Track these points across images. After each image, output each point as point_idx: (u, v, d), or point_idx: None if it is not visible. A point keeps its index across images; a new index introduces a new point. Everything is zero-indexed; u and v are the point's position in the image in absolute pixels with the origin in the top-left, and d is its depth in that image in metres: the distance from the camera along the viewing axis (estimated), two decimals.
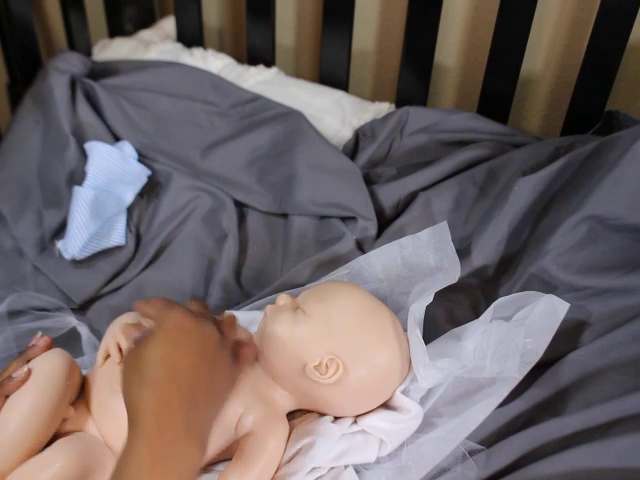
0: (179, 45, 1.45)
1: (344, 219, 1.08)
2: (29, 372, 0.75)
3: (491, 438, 0.80)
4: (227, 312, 0.94)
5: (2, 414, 0.74)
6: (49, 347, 0.79)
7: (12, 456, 0.72)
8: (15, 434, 0.73)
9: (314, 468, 0.77)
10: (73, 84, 1.23)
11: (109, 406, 0.76)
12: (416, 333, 0.79)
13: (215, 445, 0.77)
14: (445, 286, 0.84)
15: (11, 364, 0.77)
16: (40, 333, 0.80)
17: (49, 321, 0.93)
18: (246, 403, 0.77)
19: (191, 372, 0.63)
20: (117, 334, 0.79)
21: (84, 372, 0.82)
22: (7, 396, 0.75)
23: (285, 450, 0.78)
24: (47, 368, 0.76)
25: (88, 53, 1.46)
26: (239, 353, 0.71)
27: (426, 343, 0.80)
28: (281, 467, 0.77)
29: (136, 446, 0.60)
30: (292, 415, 0.83)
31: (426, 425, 0.79)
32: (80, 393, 0.80)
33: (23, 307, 0.95)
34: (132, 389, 0.63)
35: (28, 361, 0.77)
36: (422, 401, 0.81)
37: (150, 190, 1.17)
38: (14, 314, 0.93)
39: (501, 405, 0.79)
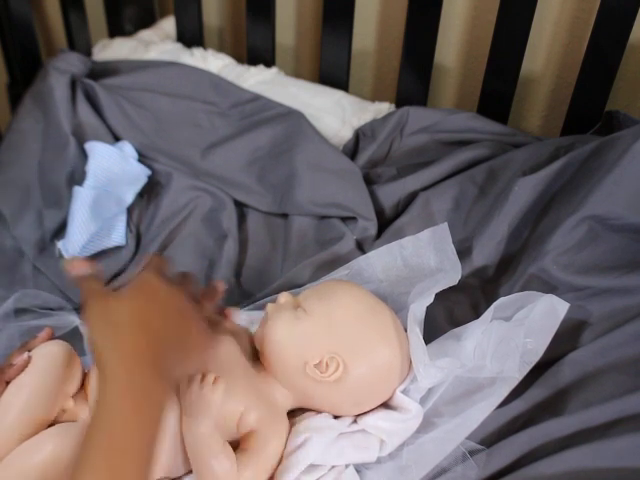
0: (179, 45, 1.45)
1: (344, 219, 1.08)
2: (29, 359, 0.76)
3: (491, 438, 0.80)
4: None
5: (2, 400, 0.74)
6: (50, 338, 0.80)
7: (10, 441, 0.72)
8: (15, 420, 0.73)
9: (315, 466, 0.77)
10: (73, 84, 1.23)
11: None
12: (416, 332, 0.79)
13: None
14: (446, 287, 0.84)
15: (13, 354, 0.78)
16: (47, 329, 0.80)
17: (52, 319, 0.93)
18: (247, 402, 0.77)
19: (158, 320, 0.67)
20: None
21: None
22: (7, 382, 0.75)
23: (285, 447, 0.78)
24: (47, 355, 0.77)
25: (88, 53, 1.46)
26: (217, 322, 0.74)
27: (426, 343, 0.80)
28: (281, 462, 0.78)
29: (107, 392, 0.62)
30: (292, 414, 0.83)
31: (426, 425, 0.79)
32: (80, 389, 0.80)
33: (27, 305, 0.95)
34: (103, 334, 0.65)
35: (29, 350, 0.78)
36: (422, 401, 0.81)
37: (150, 190, 1.17)
38: (18, 312, 0.94)
39: (501, 405, 0.79)
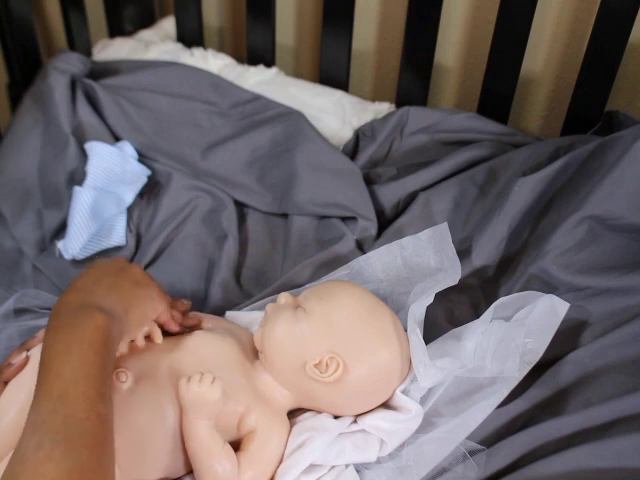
0: (179, 45, 1.45)
1: (344, 219, 1.08)
2: (27, 358, 0.76)
3: (491, 438, 0.80)
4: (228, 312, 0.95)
5: (2, 400, 0.74)
6: None
7: (10, 441, 0.72)
8: (14, 419, 0.73)
9: (315, 466, 0.77)
10: (73, 84, 1.23)
11: None
12: (416, 333, 0.79)
13: None
14: (445, 287, 0.84)
15: (12, 354, 0.78)
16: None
17: None
18: (246, 402, 0.77)
19: (91, 280, 0.75)
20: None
21: None
22: (6, 382, 0.76)
23: (286, 447, 0.78)
24: None
25: (88, 53, 1.46)
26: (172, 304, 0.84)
27: (426, 343, 0.80)
28: (281, 462, 0.78)
29: (48, 330, 0.68)
30: (292, 414, 0.83)
31: (426, 425, 0.79)
32: None
33: (27, 305, 0.95)
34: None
35: (28, 350, 0.78)
36: (422, 401, 0.81)
37: (150, 190, 1.17)
38: (18, 312, 0.94)
39: (501, 405, 0.79)
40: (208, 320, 0.89)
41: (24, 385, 0.74)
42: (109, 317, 0.69)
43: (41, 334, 0.80)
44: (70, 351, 0.64)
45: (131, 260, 1.09)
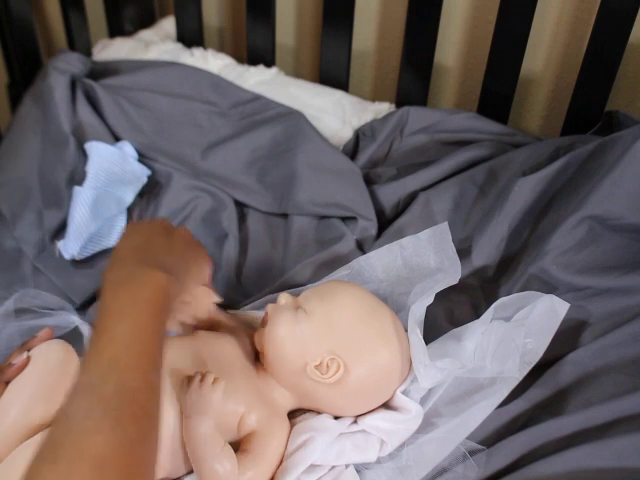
0: (179, 45, 1.45)
1: (344, 219, 1.08)
2: (28, 358, 0.76)
3: (491, 438, 0.80)
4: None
5: (3, 400, 0.74)
6: (49, 338, 0.80)
7: (11, 442, 0.72)
8: (15, 420, 0.73)
9: (315, 466, 0.77)
10: (73, 84, 1.23)
11: None
12: (416, 333, 0.79)
13: None
14: (446, 287, 0.84)
15: (13, 354, 0.78)
16: (46, 329, 0.81)
17: (52, 319, 0.93)
18: (247, 403, 0.77)
19: (144, 239, 0.72)
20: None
21: None
22: (7, 382, 0.75)
23: (286, 447, 0.78)
24: (46, 354, 0.77)
25: (88, 53, 1.46)
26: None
27: (426, 343, 0.80)
28: (282, 462, 0.78)
29: (103, 292, 0.65)
30: (292, 414, 0.83)
31: (426, 425, 0.79)
32: None
33: (27, 305, 0.95)
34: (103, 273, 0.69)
35: (29, 350, 0.78)
36: (422, 401, 0.81)
37: (150, 190, 1.17)
38: (18, 312, 0.94)
39: (501, 405, 0.79)
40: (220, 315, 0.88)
41: (25, 385, 0.74)
42: (169, 277, 0.67)
43: (42, 334, 0.80)
44: (126, 311, 0.62)
45: None
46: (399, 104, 1.28)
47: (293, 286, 0.97)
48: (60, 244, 1.10)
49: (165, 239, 0.74)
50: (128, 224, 0.80)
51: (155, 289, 0.65)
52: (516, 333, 0.80)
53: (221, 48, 1.52)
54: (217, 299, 0.82)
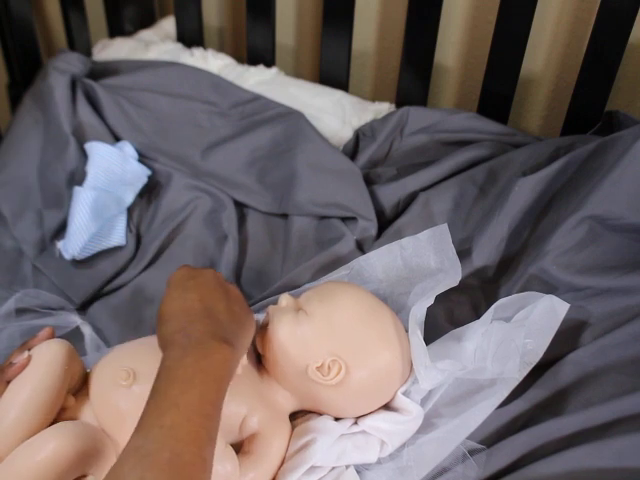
0: (179, 45, 1.45)
1: (344, 219, 1.08)
2: (29, 358, 0.76)
3: (491, 438, 0.80)
4: None
5: (3, 399, 0.74)
6: (50, 337, 0.80)
7: (12, 441, 0.72)
8: (17, 418, 0.73)
9: (316, 467, 0.77)
10: (73, 84, 1.23)
11: (110, 399, 0.76)
12: (417, 334, 0.79)
13: None
14: (446, 289, 0.84)
15: (13, 353, 0.78)
16: (47, 328, 0.81)
17: (53, 319, 0.93)
18: (248, 404, 0.77)
19: (204, 299, 0.71)
20: None
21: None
22: (8, 382, 0.75)
23: (287, 449, 0.78)
24: (47, 353, 0.77)
25: (88, 53, 1.46)
26: None
27: (426, 343, 0.80)
28: (283, 464, 0.78)
29: (169, 351, 0.65)
30: (293, 416, 0.83)
31: (427, 425, 0.80)
32: (82, 387, 0.80)
33: (28, 305, 0.95)
34: (161, 333, 0.69)
35: (29, 349, 0.78)
36: (423, 402, 0.81)
37: (150, 190, 1.17)
38: (19, 312, 0.94)
39: (501, 405, 0.79)
40: None
41: (26, 384, 0.74)
42: (234, 350, 0.67)
43: (43, 333, 0.80)
44: (193, 383, 0.62)
45: (131, 260, 1.10)
46: (399, 104, 1.28)
47: (294, 287, 0.97)
48: (60, 244, 1.10)
49: (225, 303, 0.73)
50: (182, 268, 0.76)
51: (222, 363, 0.65)
52: (516, 333, 0.80)
53: (221, 48, 1.52)
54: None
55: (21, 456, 0.71)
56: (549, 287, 0.92)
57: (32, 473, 0.70)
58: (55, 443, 0.71)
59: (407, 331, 0.81)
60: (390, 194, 1.10)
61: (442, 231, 0.88)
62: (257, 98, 1.26)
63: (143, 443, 0.58)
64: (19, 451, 0.72)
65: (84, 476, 0.74)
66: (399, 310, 0.89)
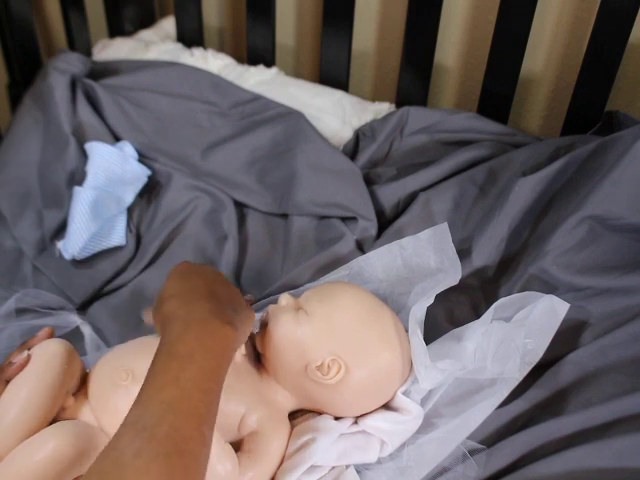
0: (179, 45, 1.45)
1: (344, 219, 1.08)
2: (29, 357, 0.76)
3: (491, 438, 0.80)
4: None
5: (3, 399, 0.74)
6: (50, 336, 0.80)
7: (11, 440, 0.72)
8: (16, 418, 0.73)
9: (316, 467, 0.77)
10: (73, 84, 1.23)
11: (109, 399, 0.76)
12: (417, 334, 0.79)
13: None
14: (446, 288, 0.84)
15: (13, 353, 0.78)
16: (46, 328, 0.81)
17: (53, 319, 0.93)
18: (248, 403, 0.77)
19: (204, 285, 0.71)
20: None
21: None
22: (8, 381, 0.75)
23: (287, 448, 0.78)
24: (46, 353, 0.77)
25: (88, 53, 1.46)
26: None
27: (426, 343, 0.80)
28: (282, 463, 0.78)
29: (170, 327, 0.64)
30: (293, 415, 0.83)
31: (427, 425, 0.79)
32: (81, 387, 0.80)
33: (28, 305, 0.95)
34: (160, 313, 0.68)
35: (29, 349, 0.78)
36: (423, 402, 0.81)
37: (150, 190, 1.17)
38: (19, 312, 0.94)
39: (501, 405, 0.79)
40: None
41: (26, 384, 0.74)
42: (236, 332, 0.67)
43: (42, 333, 0.80)
44: (193, 358, 0.61)
45: (131, 260, 1.10)
46: (399, 104, 1.28)
47: (294, 287, 0.97)
48: (60, 244, 1.10)
49: (225, 290, 0.73)
50: (181, 263, 0.76)
51: (224, 342, 0.65)
52: (516, 333, 0.80)
53: (221, 48, 1.52)
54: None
55: (21, 455, 0.71)
56: (549, 287, 0.92)
57: (32, 472, 0.70)
58: (55, 442, 0.71)
59: (407, 331, 0.81)
60: (390, 194, 1.10)
61: (442, 230, 0.88)
62: (257, 98, 1.26)
63: (141, 417, 0.57)
64: (19, 450, 0.72)
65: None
66: (399, 310, 0.89)
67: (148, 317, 0.74)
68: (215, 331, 0.65)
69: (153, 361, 0.62)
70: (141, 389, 0.60)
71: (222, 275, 0.77)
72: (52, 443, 0.71)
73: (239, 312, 0.71)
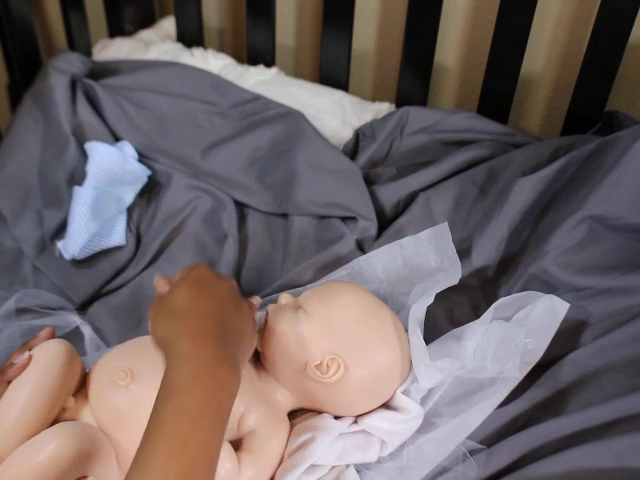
0: (179, 45, 1.45)
1: (344, 219, 1.08)
2: (30, 358, 0.76)
3: (491, 438, 0.80)
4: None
5: (4, 400, 0.74)
6: (51, 337, 0.80)
7: (12, 441, 0.72)
8: (17, 419, 0.73)
9: (315, 466, 0.77)
10: (73, 84, 1.23)
11: (109, 399, 0.76)
12: (417, 333, 0.79)
13: None
14: (446, 287, 0.84)
15: (14, 353, 0.78)
16: (47, 328, 0.81)
17: (53, 319, 0.93)
18: (247, 402, 0.77)
19: (217, 310, 0.68)
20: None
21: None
22: (9, 382, 0.75)
23: (286, 447, 0.78)
24: (47, 354, 0.77)
25: (88, 53, 1.46)
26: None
27: (426, 343, 0.80)
28: (282, 462, 0.78)
29: (177, 368, 0.62)
30: (293, 414, 0.83)
31: (427, 425, 0.80)
32: (81, 387, 0.80)
33: (28, 305, 0.95)
34: (165, 325, 0.66)
35: (30, 349, 0.78)
36: (423, 401, 0.81)
37: (150, 190, 1.17)
38: (19, 312, 0.94)
39: (501, 405, 0.79)
40: None
41: (27, 385, 0.74)
42: (239, 376, 0.65)
43: (43, 333, 0.80)
44: (202, 420, 0.59)
45: (131, 260, 1.10)
46: (399, 104, 1.28)
47: (294, 287, 0.97)
48: (60, 244, 1.10)
49: (237, 321, 0.70)
50: (196, 268, 0.72)
51: (230, 395, 0.63)
52: (516, 333, 0.80)
53: (221, 48, 1.52)
54: None
55: (21, 457, 0.71)
56: (549, 287, 0.92)
57: (32, 474, 0.70)
58: (55, 444, 0.71)
59: (407, 330, 0.81)
60: (390, 194, 1.10)
61: (442, 230, 0.88)
62: (257, 98, 1.26)
63: (143, 461, 0.57)
64: (19, 452, 0.72)
65: (84, 477, 0.74)
66: (399, 310, 0.89)
67: (160, 286, 0.72)
68: (224, 384, 0.63)
69: (157, 409, 0.60)
70: (143, 443, 0.58)
71: (236, 293, 0.73)
72: (53, 444, 0.71)
73: (245, 345, 0.70)
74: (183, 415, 0.59)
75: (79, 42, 1.45)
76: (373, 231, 1.06)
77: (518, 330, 0.80)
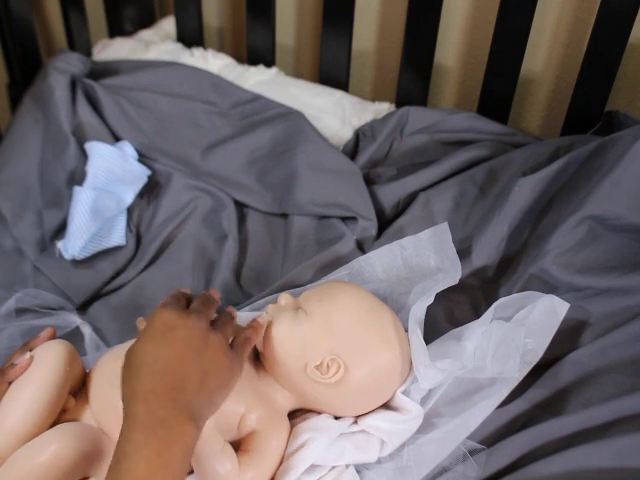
0: (179, 45, 1.45)
1: (344, 219, 1.08)
2: (31, 359, 0.76)
3: (491, 438, 0.80)
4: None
5: (5, 401, 0.74)
6: (52, 337, 0.80)
7: (13, 442, 0.73)
8: (18, 420, 0.73)
9: (315, 467, 0.77)
10: (73, 84, 1.23)
11: (108, 400, 0.76)
12: (417, 334, 0.79)
13: None
14: (446, 287, 0.84)
15: (14, 353, 0.78)
16: (48, 329, 0.81)
17: (53, 319, 0.93)
18: (247, 403, 0.77)
19: (177, 362, 0.66)
20: None
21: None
22: (10, 383, 0.75)
23: (286, 447, 0.78)
24: (48, 354, 0.77)
25: (88, 53, 1.46)
26: (237, 342, 0.74)
27: (426, 343, 0.80)
28: (282, 463, 0.78)
29: (130, 428, 0.62)
30: (293, 414, 0.83)
31: (427, 425, 0.79)
32: (81, 388, 0.80)
33: (28, 305, 0.95)
34: (124, 382, 0.66)
35: (31, 350, 0.78)
36: (423, 401, 0.81)
37: (150, 190, 1.17)
38: (19, 312, 0.94)
39: (501, 405, 0.79)
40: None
41: (28, 386, 0.74)
42: (197, 429, 0.64)
43: (44, 334, 0.80)
44: (151, 462, 0.60)
45: (131, 260, 1.09)
46: (399, 104, 1.28)
47: (293, 287, 0.96)
48: (60, 244, 1.10)
49: (200, 370, 0.66)
50: (167, 309, 0.69)
51: (185, 451, 0.62)
52: (516, 333, 0.80)
53: (221, 48, 1.52)
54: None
55: (23, 458, 0.71)
56: (549, 287, 0.92)
57: (33, 475, 0.70)
58: (57, 445, 0.71)
59: (407, 331, 0.81)
60: (390, 194, 1.10)
61: (442, 230, 0.88)
62: (257, 98, 1.26)
63: None
64: (20, 453, 0.72)
65: (86, 478, 0.74)
66: (399, 310, 0.89)
67: (142, 326, 0.72)
68: (176, 440, 0.62)
69: (110, 468, 0.60)
70: None
71: (204, 332, 0.69)
72: (54, 446, 0.71)
73: (208, 396, 0.67)
74: (134, 477, 0.59)
75: (79, 42, 1.45)
76: (373, 231, 1.06)
77: (518, 330, 0.80)
